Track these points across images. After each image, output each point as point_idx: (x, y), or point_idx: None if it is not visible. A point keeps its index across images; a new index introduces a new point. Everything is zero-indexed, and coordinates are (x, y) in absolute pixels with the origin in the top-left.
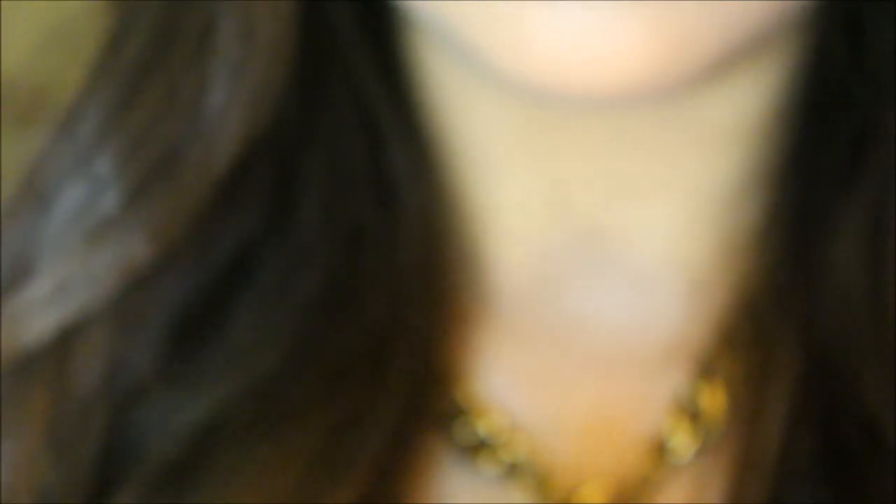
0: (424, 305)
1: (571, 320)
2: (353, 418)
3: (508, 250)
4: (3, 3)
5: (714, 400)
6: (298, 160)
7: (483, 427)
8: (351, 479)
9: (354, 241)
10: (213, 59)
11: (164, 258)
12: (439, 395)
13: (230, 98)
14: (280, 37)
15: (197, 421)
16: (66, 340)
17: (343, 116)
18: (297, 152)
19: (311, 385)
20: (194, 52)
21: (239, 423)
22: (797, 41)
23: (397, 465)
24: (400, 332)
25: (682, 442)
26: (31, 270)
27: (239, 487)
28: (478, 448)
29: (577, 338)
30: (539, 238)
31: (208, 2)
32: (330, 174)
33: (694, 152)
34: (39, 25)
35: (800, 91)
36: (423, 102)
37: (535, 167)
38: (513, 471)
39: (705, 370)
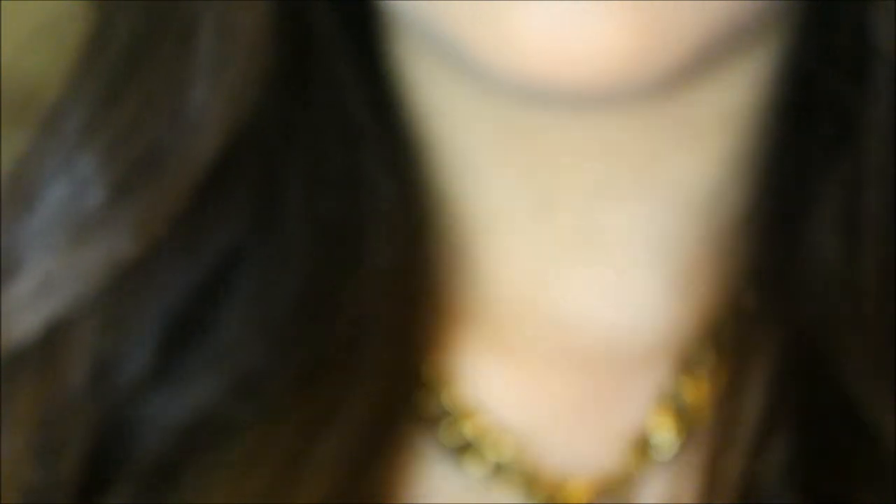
0: (405, 306)
1: (556, 319)
2: (326, 417)
3: (494, 251)
4: None
5: (698, 395)
6: (280, 160)
7: (469, 428)
8: (322, 477)
9: (336, 240)
10: (194, 57)
11: (148, 255)
12: (426, 396)
13: (211, 96)
14: (259, 36)
15: (181, 420)
16: (52, 338)
17: (324, 117)
18: (278, 152)
19: (289, 383)
20: (175, 51)
21: (219, 422)
22: (778, 35)
23: (373, 464)
24: (379, 331)
25: (667, 437)
26: (18, 268)
27: (212, 487)
28: (464, 449)
29: (563, 337)
30: (525, 238)
31: (189, 1)
32: (311, 174)
33: (677, 150)
34: (28, 25)
35: (781, 82)
36: (406, 104)
37: (519, 168)
38: (498, 471)
39: (689, 366)
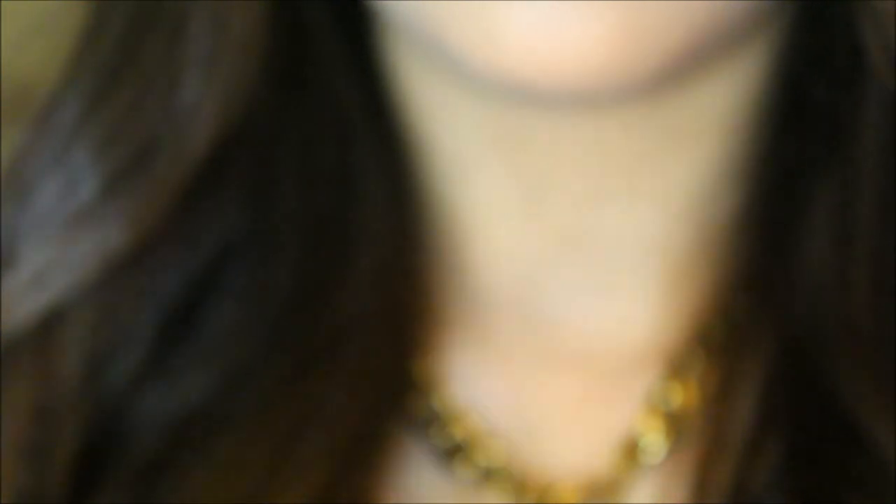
0: (394, 306)
1: (547, 323)
2: (313, 416)
3: (484, 253)
4: None
5: (687, 399)
6: (272, 157)
7: (459, 432)
8: (307, 476)
9: (326, 238)
10: (186, 52)
11: (141, 249)
12: (415, 398)
13: (203, 91)
14: (252, 32)
15: (171, 415)
16: (47, 330)
17: (317, 115)
18: (271, 149)
19: (278, 380)
20: (168, 45)
21: (208, 418)
22: (767, 38)
23: (360, 464)
24: (367, 331)
25: (655, 441)
26: (14, 260)
27: (199, 485)
28: (454, 451)
29: (553, 340)
30: (514, 241)
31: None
32: (303, 171)
33: (667, 153)
34: (23, 23)
35: (771, 86)
36: (398, 104)
37: (510, 171)
38: (488, 474)
39: (679, 369)
